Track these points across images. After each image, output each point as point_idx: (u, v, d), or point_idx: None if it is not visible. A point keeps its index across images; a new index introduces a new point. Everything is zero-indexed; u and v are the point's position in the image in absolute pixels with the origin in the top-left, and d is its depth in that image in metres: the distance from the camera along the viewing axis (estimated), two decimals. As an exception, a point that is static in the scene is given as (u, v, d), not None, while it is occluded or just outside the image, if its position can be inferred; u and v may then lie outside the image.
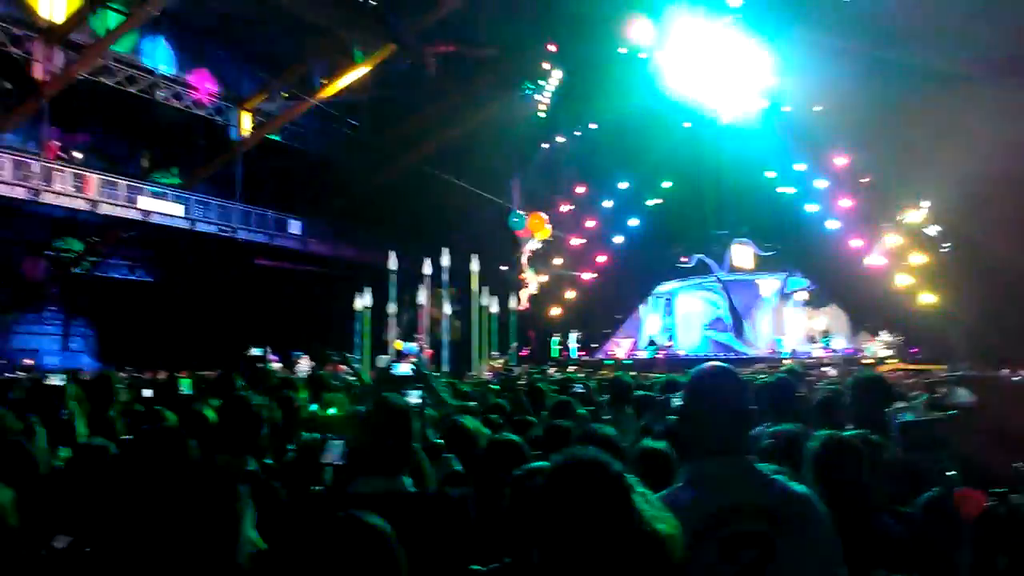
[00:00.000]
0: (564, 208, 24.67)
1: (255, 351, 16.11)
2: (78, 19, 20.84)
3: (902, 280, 19.64)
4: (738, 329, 23.79)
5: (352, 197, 28.19)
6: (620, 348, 21.76)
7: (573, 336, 21.17)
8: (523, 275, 22.66)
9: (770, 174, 21.72)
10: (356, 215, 28.13)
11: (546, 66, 24.92)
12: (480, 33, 25.57)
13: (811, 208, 21.16)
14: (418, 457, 3.15)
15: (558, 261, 24.59)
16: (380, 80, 25.83)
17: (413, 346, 19.37)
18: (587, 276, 24.25)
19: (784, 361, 18.01)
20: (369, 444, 2.90)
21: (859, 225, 20.44)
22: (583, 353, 21.36)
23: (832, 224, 20.88)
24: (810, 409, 4.28)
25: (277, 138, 26.87)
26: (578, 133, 24.73)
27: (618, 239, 24.33)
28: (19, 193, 20.43)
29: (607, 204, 24.40)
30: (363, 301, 19.82)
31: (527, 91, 25.34)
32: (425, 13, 23.89)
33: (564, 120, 24.93)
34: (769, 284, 23.92)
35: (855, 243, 20.42)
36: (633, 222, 24.18)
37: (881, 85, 17.31)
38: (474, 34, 25.56)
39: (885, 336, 19.42)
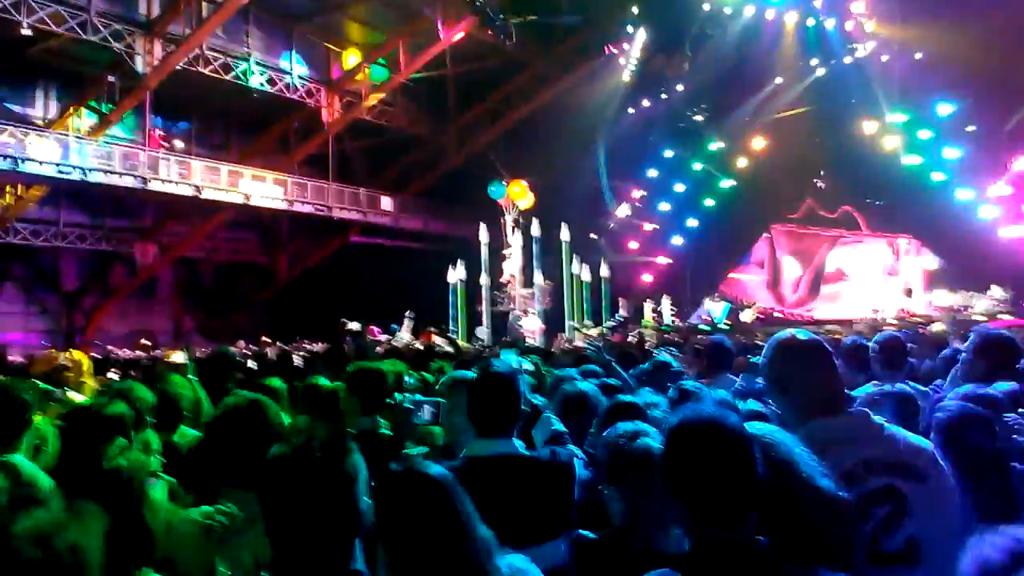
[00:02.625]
0: (636, 193, 24.36)
1: (354, 325, 16.61)
2: (174, 14, 21.60)
3: (1013, 231, 18.68)
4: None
5: (441, 171, 28.53)
6: (716, 310, 21.38)
7: (666, 302, 20.91)
8: (507, 248, 21.94)
9: (870, 125, 20.88)
10: (445, 189, 28.47)
11: (630, 29, 24.45)
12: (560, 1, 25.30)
13: (912, 160, 20.23)
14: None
15: (648, 226, 24.29)
16: (464, 54, 25.90)
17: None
18: (676, 241, 23.94)
19: (882, 319, 17.47)
20: (479, 408, 2.95)
21: (967, 176, 19.46)
22: (677, 319, 21.08)
23: (937, 176, 19.93)
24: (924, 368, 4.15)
25: (367, 117, 27.34)
26: (664, 96, 24.24)
27: (709, 201, 23.88)
28: (128, 182, 21.48)
29: (697, 167, 23.91)
30: (456, 274, 20.14)
31: (610, 56, 24.95)
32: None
33: (650, 83, 24.46)
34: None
35: (963, 194, 19.49)
36: (726, 183, 23.66)
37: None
38: (555, 2, 25.30)
39: (996, 290, 18.49)
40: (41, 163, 19.74)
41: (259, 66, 24.65)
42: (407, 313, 18.91)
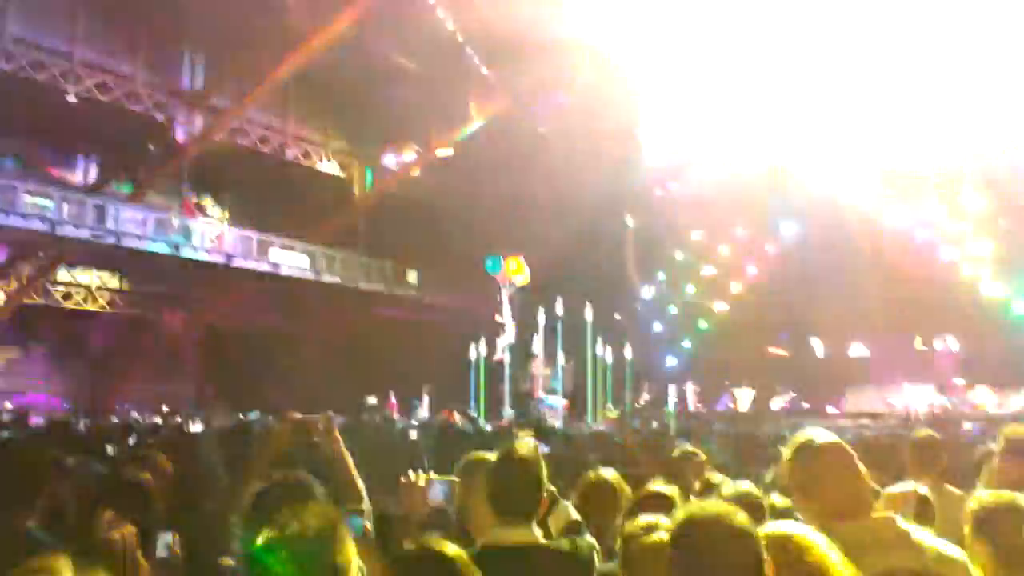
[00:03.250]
0: (661, 276, 24.32)
1: (371, 400, 16.60)
2: (216, 87, 22.32)
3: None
4: None
5: (467, 247, 28.73)
6: (743, 397, 21.07)
7: (690, 388, 20.66)
8: (501, 323, 21.41)
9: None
10: (471, 265, 28.62)
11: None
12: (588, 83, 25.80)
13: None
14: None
15: (674, 310, 24.22)
16: (499, 133, 26.39)
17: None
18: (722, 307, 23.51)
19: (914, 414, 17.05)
20: (499, 492, 2.85)
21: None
22: (700, 405, 20.81)
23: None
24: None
25: (397, 191, 27.76)
26: (694, 179, 24.45)
27: (736, 288, 23.79)
28: (160, 248, 21.85)
29: (724, 250, 23.94)
30: (477, 350, 20.07)
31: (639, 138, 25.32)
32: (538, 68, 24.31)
33: (676, 165, 24.71)
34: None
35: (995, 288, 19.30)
36: (753, 273, 23.60)
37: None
38: (583, 84, 25.80)
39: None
40: (77, 227, 20.16)
41: (295, 140, 25.28)
42: (425, 388, 18.84)
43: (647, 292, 24.17)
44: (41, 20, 19.67)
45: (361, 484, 3.27)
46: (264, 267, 24.13)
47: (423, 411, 17.72)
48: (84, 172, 24.29)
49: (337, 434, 3.55)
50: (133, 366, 25.86)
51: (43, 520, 3.65)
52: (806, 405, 21.71)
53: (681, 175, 24.58)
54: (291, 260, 25.04)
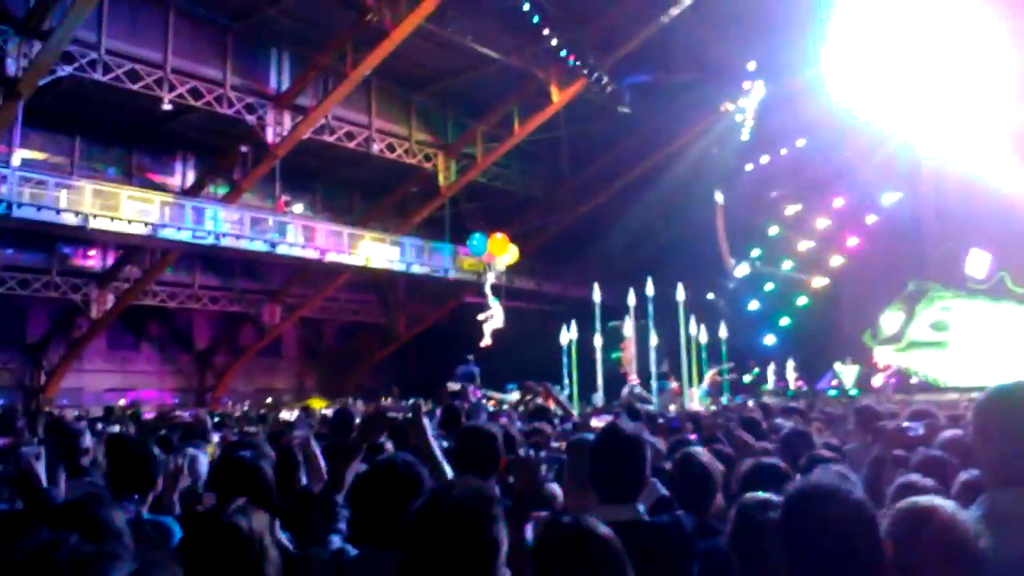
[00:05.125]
0: (756, 252, 23.57)
1: (454, 386, 16.70)
2: (301, 87, 22.83)
3: None
4: None
5: (555, 232, 28.68)
6: (847, 374, 20.25)
7: (790, 365, 20.02)
8: (488, 309, 19.96)
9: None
10: (559, 250, 28.58)
11: (746, 85, 24.19)
12: (674, 59, 25.30)
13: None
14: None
15: (770, 287, 23.53)
16: (577, 115, 26.20)
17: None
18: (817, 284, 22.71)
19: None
20: (603, 472, 2.88)
21: None
22: (800, 383, 20.14)
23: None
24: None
25: (482, 179, 27.91)
26: (784, 151, 23.68)
27: (836, 260, 22.91)
28: (258, 246, 22.57)
29: (821, 223, 23.08)
30: (568, 335, 19.92)
31: (727, 113, 24.69)
32: (618, 47, 23.99)
33: (768, 139, 23.98)
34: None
35: None
36: (853, 241, 22.66)
37: None
38: (669, 60, 25.32)
39: None
40: (178, 229, 20.99)
41: (380, 133, 25.67)
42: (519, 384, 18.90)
43: (741, 270, 23.58)
44: (134, 31, 20.50)
45: (447, 468, 3.34)
46: (355, 260, 24.62)
47: (514, 395, 17.72)
48: (182, 176, 25.28)
49: (424, 420, 3.56)
50: (237, 361, 26.89)
51: (160, 508, 3.78)
52: (914, 380, 20.78)
53: (772, 147, 23.85)
54: (381, 252, 25.48)
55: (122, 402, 18.94)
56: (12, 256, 21.75)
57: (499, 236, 20.63)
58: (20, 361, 22.83)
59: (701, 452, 3.65)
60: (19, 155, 19.29)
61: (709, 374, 18.48)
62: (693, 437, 5.30)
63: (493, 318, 20.07)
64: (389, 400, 20.13)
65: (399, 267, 26.06)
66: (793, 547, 1.71)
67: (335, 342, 30.51)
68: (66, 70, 18.36)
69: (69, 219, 18.94)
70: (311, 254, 23.71)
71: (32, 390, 22.18)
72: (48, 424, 8.94)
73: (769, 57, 22.74)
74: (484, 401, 15.18)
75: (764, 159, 23.88)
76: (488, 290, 20.24)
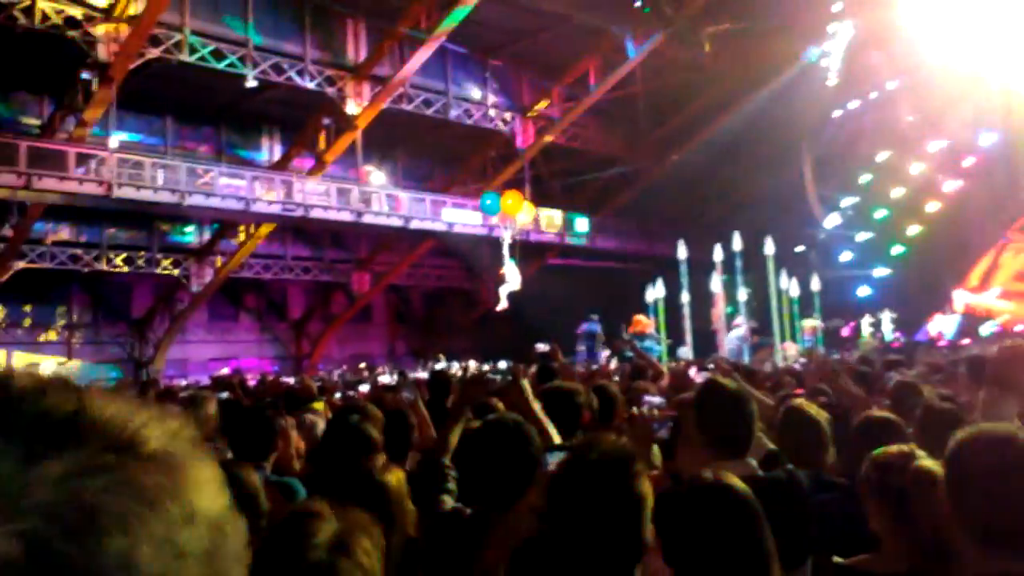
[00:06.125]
0: (847, 201, 22.62)
1: (542, 346, 16.74)
2: (379, 57, 23.02)
3: None
4: None
5: (637, 190, 28.35)
6: (947, 325, 19.51)
7: (886, 317, 19.39)
8: (502, 270, 19.19)
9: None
10: (642, 207, 28.27)
11: (831, 28, 23.22)
12: (754, 5, 24.46)
13: None
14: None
15: (862, 236, 22.77)
16: (655, 70, 25.67)
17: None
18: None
19: None
20: (712, 427, 2.85)
21: None
22: (899, 334, 19.50)
23: None
24: None
25: (560, 140, 27.72)
26: (873, 96, 22.73)
27: (932, 206, 21.97)
28: (344, 216, 23.06)
29: (915, 168, 22.15)
30: (655, 292, 19.78)
31: (811, 59, 23.78)
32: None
33: (857, 84, 23.03)
34: None
35: None
36: (951, 186, 21.69)
37: None
38: (748, 7, 24.50)
39: None
40: (269, 203, 21.62)
41: (457, 99, 25.73)
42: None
43: (831, 220, 22.88)
44: (216, 11, 20.99)
45: (552, 429, 3.33)
46: (439, 226, 24.89)
47: (601, 357, 17.78)
48: (269, 151, 25.95)
49: (524, 382, 3.61)
50: (330, 328, 27.71)
51: (282, 471, 3.98)
52: (1021, 327, 19.88)
53: (861, 92, 22.92)
54: (463, 217, 25.68)
55: (225, 371, 19.78)
56: (115, 235, 22.80)
57: (513, 193, 20.09)
58: (128, 335, 24.04)
59: (809, 405, 3.59)
60: (116, 138, 20.14)
61: (807, 324, 18.05)
62: (799, 392, 5.23)
63: (509, 281, 19.67)
64: (439, 363, 20.16)
65: (481, 232, 26.22)
66: (961, 498, 1.67)
67: (423, 307, 31.06)
68: (154, 53, 18.93)
69: (166, 197, 19.73)
70: (395, 222, 24.08)
71: (140, 362, 23.36)
72: (159, 394, 9.44)
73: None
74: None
75: (853, 104, 22.98)
76: (505, 251, 19.72)
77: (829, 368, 5.18)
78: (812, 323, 18.18)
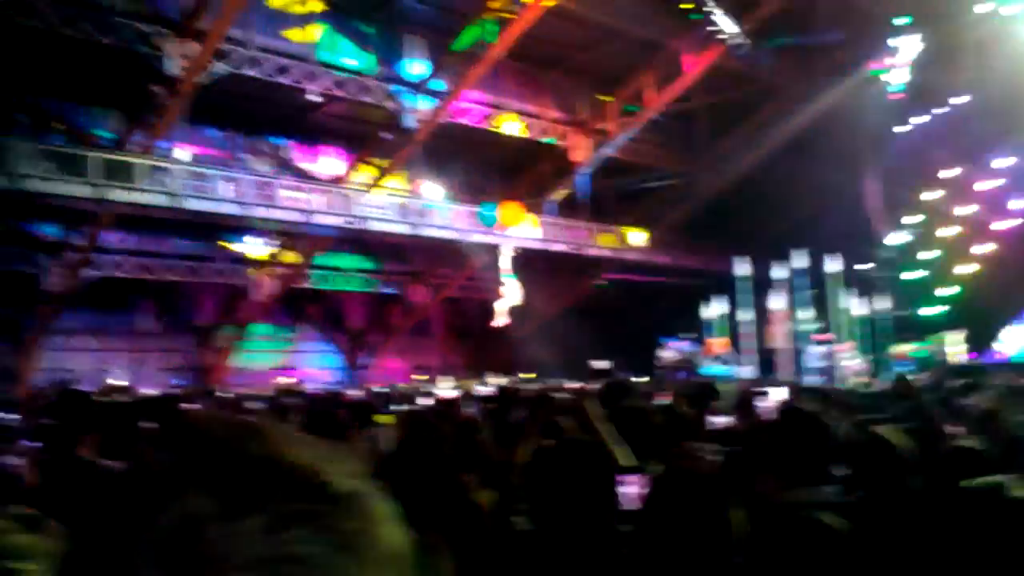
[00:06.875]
0: (915, 219, 22.08)
1: (601, 365, 16.69)
2: (437, 72, 23.32)
3: None
4: None
5: (694, 205, 28.10)
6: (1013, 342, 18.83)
7: (957, 336, 18.74)
8: (500, 285, 18.73)
9: None
10: (699, 223, 28.00)
11: (896, 42, 22.79)
12: (816, 18, 24.13)
13: None
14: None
15: (927, 254, 22.18)
16: (713, 84, 25.46)
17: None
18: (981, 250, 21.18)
19: None
20: (780, 452, 2.83)
21: None
22: (973, 355, 18.89)
23: None
24: None
25: (616, 155, 27.66)
26: (940, 110, 22.20)
27: (1002, 226, 21.30)
28: (403, 229, 23.33)
29: (984, 187, 21.54)
30: (712, 309, 19.58)
31: (875, 73, 23.33)
32: (756, 9, 23.07)
33: (923, 98, 22.53)
34: None
35: None
36: (1019, 201, 21.04)
37: None
38: (810, 21, 24.18)
39: None
40: (328, 215, 21.98)
41: (514, 113, 25.87)
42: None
43: (896, 238, 22.33)
44: (280, 27, 21.52)
45: (623, 450, 3.26)
46: (494, 239, 25.00)
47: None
48: (330, 164, 26.41)
49: (591, 402, 3.57)
50: (388, 340, 28.01)
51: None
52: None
53: (928, 107, 22.41)
54: (519, 231, 25.74)
55: (285, 380, 20.13)
56: (181, 245, 23.40)
57: (512, 204, 19.52)
58: (193, 343, 24.63)
59: (889, 431, 3.51)
60: (184, 151, 20.73)
61: (900, 349, 17.56)
62: (877, 415, 5.10)
63: (508, 295, 19.25)
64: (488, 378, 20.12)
65: (537, 245, 26.27)
66: None
67: (478, 320, 31.16)
68: (221, 68, 19.44)
69: (230, 209, 20.22)
70: (452, 235, 24.26)
71: (204, 370, 23.90)
72: (222, 404, 9.66)
73: (924, 8, 21.33)
74: None
75: (919, 119, 22.48)
76: (504, 265, 19.25)
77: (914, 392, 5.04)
78: (904, 348, 17.67)
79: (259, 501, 0.53)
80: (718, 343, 18.32)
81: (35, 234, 20.93)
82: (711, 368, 17.64)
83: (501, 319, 18.92)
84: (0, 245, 19.93)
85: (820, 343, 17.86)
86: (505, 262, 18.49)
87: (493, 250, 24.06)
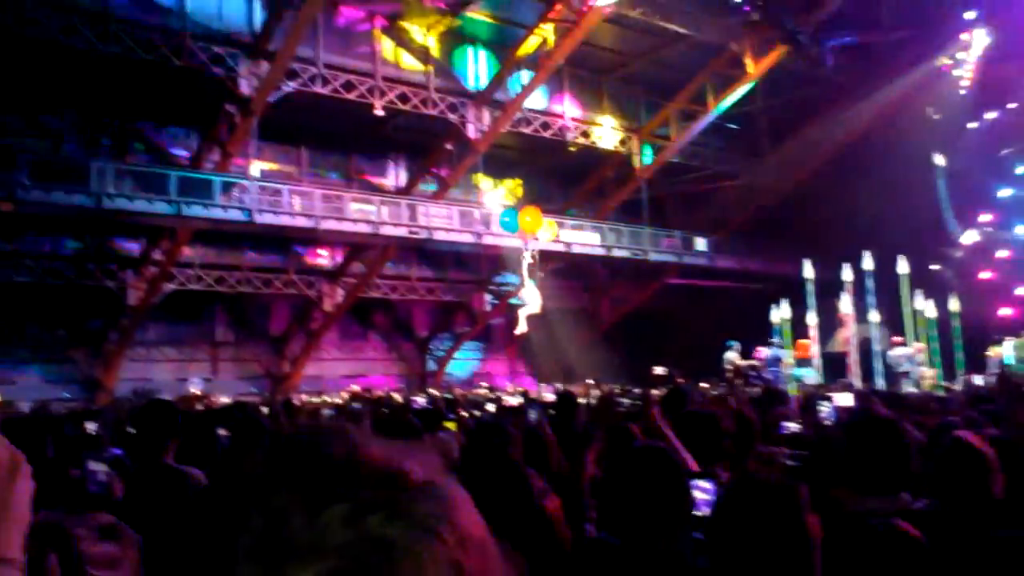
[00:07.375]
0: (985, 217, 21.43)
1: (660, 370, 16.67)
2: (498, 82, 23.64)
3: None
4: None
5: (757, 209, 27.79)
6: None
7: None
8: (521, 291, 17.88)
9: None
10: (763, 226, 27.68)
11: (965, 36, 22.23)
12: (881, 15, 23.69)
13: None
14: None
15: (1004, 253, 21.54)
16: (775, 85, 25.19)
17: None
18: None
19: None
20: (858, 458, 2.78)
21: None
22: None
23: None
24: None
25: (677, 159, 27.57)
26: (1013, 105, 21.57)
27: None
28: (466, 238, 23.67)
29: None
30: (779, 313, 19.36)
31: (943, 69, 22.78)
32: (819, 8, 22.75)
33: (994, 93, 21.91)
34: None
35: None
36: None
37: None
38: (875, 18, 23.74)
39: None
40: (395, 226, 22.46)
41: (574, 121, 26.03)
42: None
43: (968, 237, 21.75)
44: (347, 46, 22.12)
45: (687, 456, 3.26)
46: (557, 247, 25.15)
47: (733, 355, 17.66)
48: (395, 176, 26.97)
49: (656, 409, 3.64)
50: (453, 347, 28.36)
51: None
52: None
53: (999, 102, 21.80)
54: (581, 238, 25.89)
55: (355, 388, 20.61)
56: (255, 258, 24.16)
57: (531, 209, 18.83)
58: (268, 353, 25.39)
59: (972, 437, 3.18)
60: (256, 167, 21.45)
61: (997, 351, 17.10)
62: (954, 420, 5.09)
63: (528, 303, 18.61)
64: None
65: (599, 252, 26.34)
66: None
67: (541, 327, 31.29)
68: (290, 86, 20.09)
69: (302, 223, 20.86)
70: (515, 243, 24.45)
71: (278, 378, 24.62)
72: (293, 410, 10.03)
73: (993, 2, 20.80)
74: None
75: (990, 115, 21.87)
76: (524, 271, 18.58)
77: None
78: (998, 349, 17.18)
79: (340, 494, 0.57)
80: (806, 345, 18.13)
81: (119, 250, 21.89)
82: (797, 371, 17.50)
83: (522, 327, 18.60)
84: (87, 262, 20.92)
85: (891, 346, 17.50)
86: (525, 268, 18.14)
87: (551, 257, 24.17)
